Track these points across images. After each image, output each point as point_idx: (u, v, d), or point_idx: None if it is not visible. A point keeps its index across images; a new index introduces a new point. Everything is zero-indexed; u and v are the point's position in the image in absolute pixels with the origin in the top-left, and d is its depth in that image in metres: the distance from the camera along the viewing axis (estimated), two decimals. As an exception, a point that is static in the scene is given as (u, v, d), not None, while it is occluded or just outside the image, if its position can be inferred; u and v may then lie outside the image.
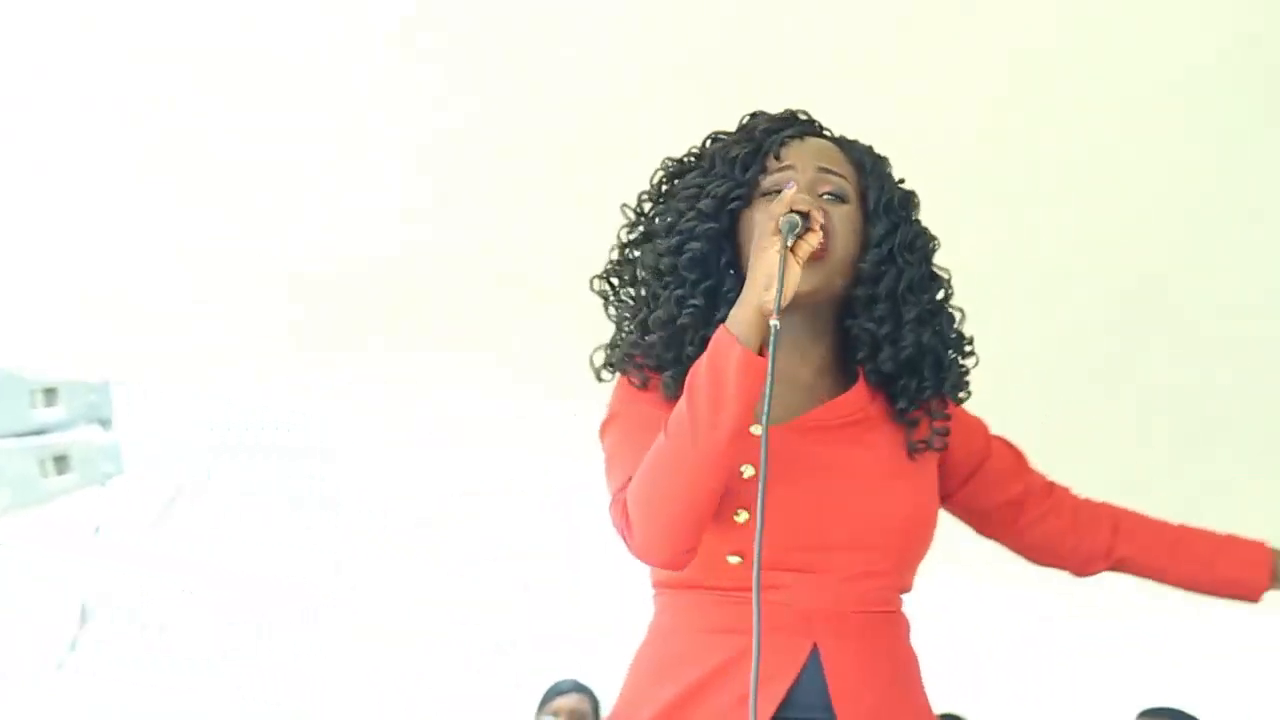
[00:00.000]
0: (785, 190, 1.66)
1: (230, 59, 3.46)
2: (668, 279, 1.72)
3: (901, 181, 1.78)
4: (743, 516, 1.64)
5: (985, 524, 1.87)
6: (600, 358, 1.77)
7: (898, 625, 1.74)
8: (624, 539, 1.66)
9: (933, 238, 1.77)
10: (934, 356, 1.72)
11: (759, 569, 1.55)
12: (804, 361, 1.72)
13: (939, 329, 1.73)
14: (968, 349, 1.77)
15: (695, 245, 1.71)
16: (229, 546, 4.40)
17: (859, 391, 1.70)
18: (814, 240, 1.59)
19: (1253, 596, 1.95)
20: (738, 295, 1.63)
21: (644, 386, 1.71)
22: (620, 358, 1.74)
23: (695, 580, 1.68)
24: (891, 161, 1.79)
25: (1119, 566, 1.93)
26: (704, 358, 1.59)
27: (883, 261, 1.69)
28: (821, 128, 1.80)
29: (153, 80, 3.52)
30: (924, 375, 1.72)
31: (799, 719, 1.63)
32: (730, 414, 1.56)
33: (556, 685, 4.27)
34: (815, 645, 1.65)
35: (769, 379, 1.55)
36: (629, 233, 1.79)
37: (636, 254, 1.78)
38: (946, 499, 1.81)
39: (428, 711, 5.16)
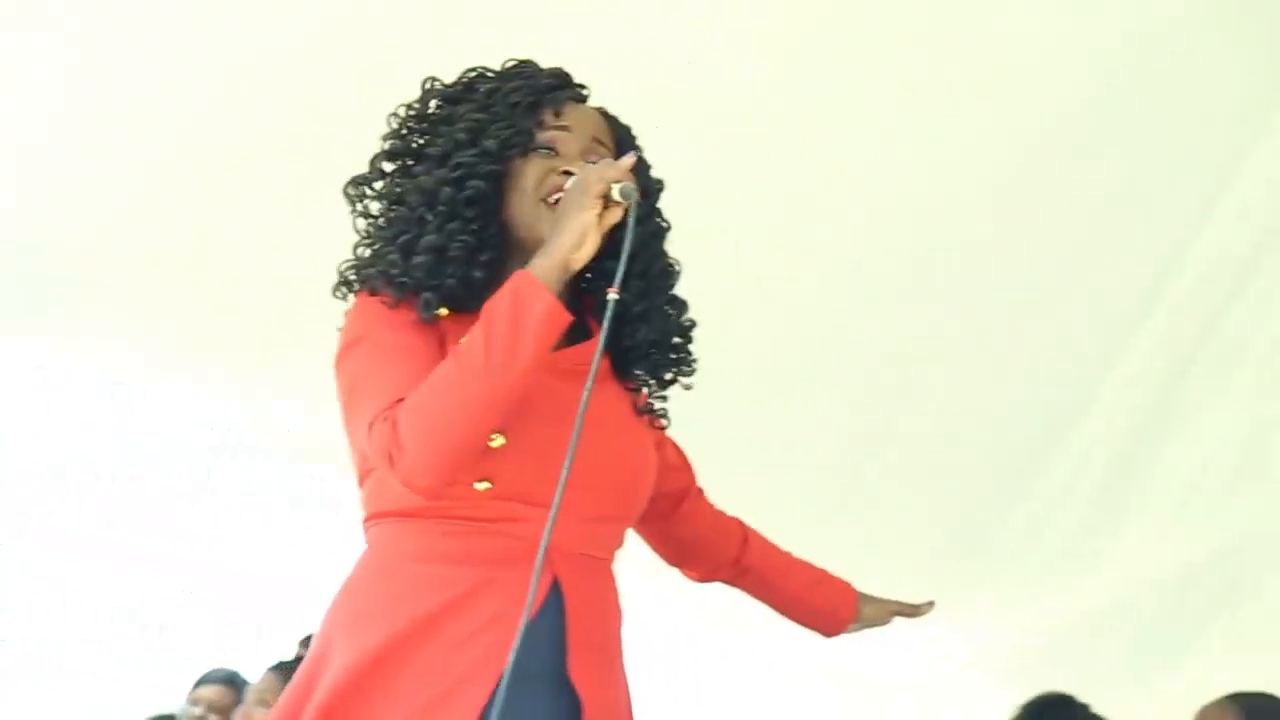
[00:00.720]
0: (625, 158, 1.71)
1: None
2: (442, 209, 1.73)
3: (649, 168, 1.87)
4: (497, 441, 1.67)
5: (647, 511, 1.91)
6: (350, 273, 1.80)
7: (613, 577, 1.80)
8: (385, 460, 1.64)
9: (668, 225, 1.88)
10: (676, 338, 1.84)
11: (554, 518, 1.59)
12: None
13: (680, 314, 1.85)
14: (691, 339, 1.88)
15: (477, 184, 1.74)
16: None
17: (596, 345, 1.71)
18: (619, 211, 1.67)
19: (833, 631, 2.09)
20: (498, 239, 1.75)
21: (395, 306, 1.72)
22: (377, 275, 1.75)
23: (433, 508, 1.68)
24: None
25: (736, 580, 2.06)
26: (506, 297, 1.63)
27: (641, 240, 1.74)
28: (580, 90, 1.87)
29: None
30: (668, 353, 1.84)
31: (534, 657, 1.61)
32: (526, 357, 1.61)
33: (205, 675, 4.13)
34: (556, 580, 1.67)
35: (599, 349, 1.65)
36: (390, 145, 1.81)
37: (390, 167, 1.81)
38: None
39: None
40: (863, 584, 2.11)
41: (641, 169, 1.81)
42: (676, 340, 1.84)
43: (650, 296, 1.81)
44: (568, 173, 1.75)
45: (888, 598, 2.12)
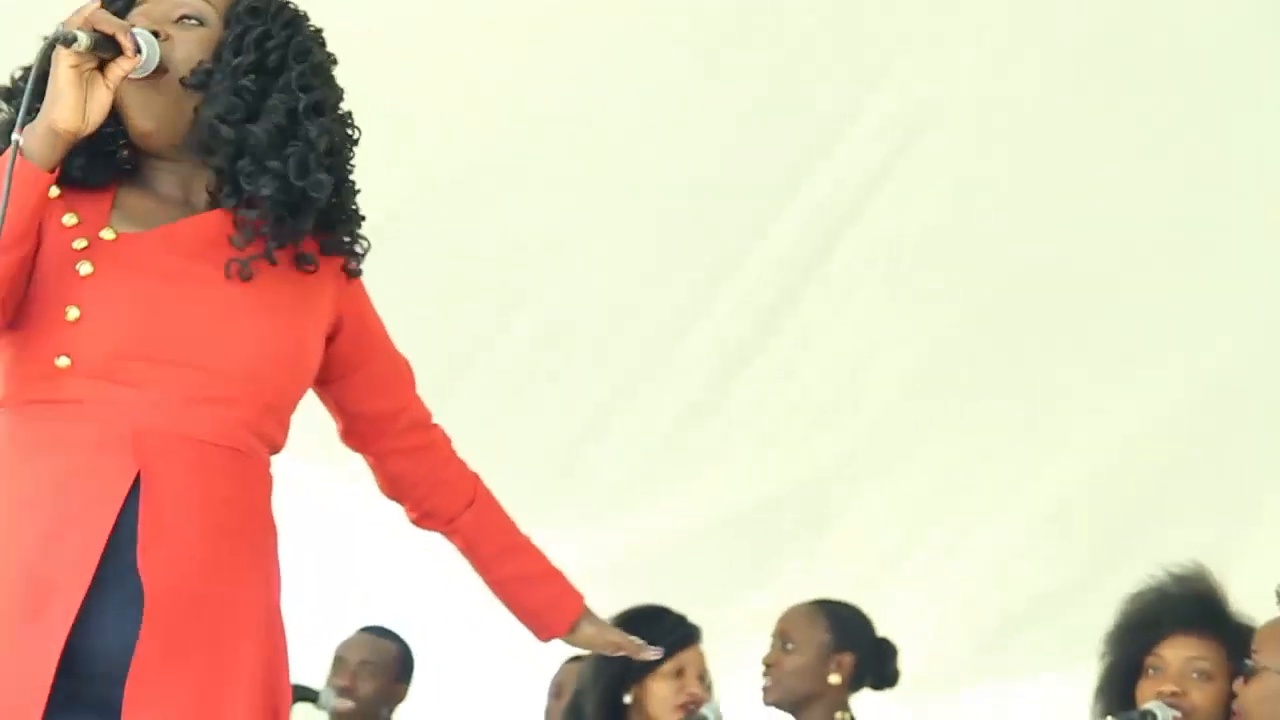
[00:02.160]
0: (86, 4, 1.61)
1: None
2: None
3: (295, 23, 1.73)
4: (73, 313, 1.59)
5: (350, 430, 1.86)
6: None
7: (249, 472, 1.69)
8: None
9: (313, 73, 1.70)
10: (309, 194, 1.66)
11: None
12: (183, 185, 1.70)
13: (329, 168, 1.68)
14: (350, 214, 1.76)
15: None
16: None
17: (219, 215, 1.67)
18: (125, 65, 1.58)
19: (541, 635, 1.99)
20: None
21: None
22: None
23: (18, 392, 1.63)
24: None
25: (451, 535, 1.94)
26: None
27: (228, 81, 1.65)
28: None
29: None
30: (294, 216, 1.67)
31: (121, 554, 1.57)
32: (10, 217, 1.52)
33: None
34: (139, 471, 1.59)
35: (4, 189, 1.52)
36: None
37: None
38: (325, 384, 1.80)
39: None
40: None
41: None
42: (296, 196, 1.65)
43: (249, 154, 1.65)
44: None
45: (611, 627, 2.07)
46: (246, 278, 1.64)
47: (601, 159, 3.99)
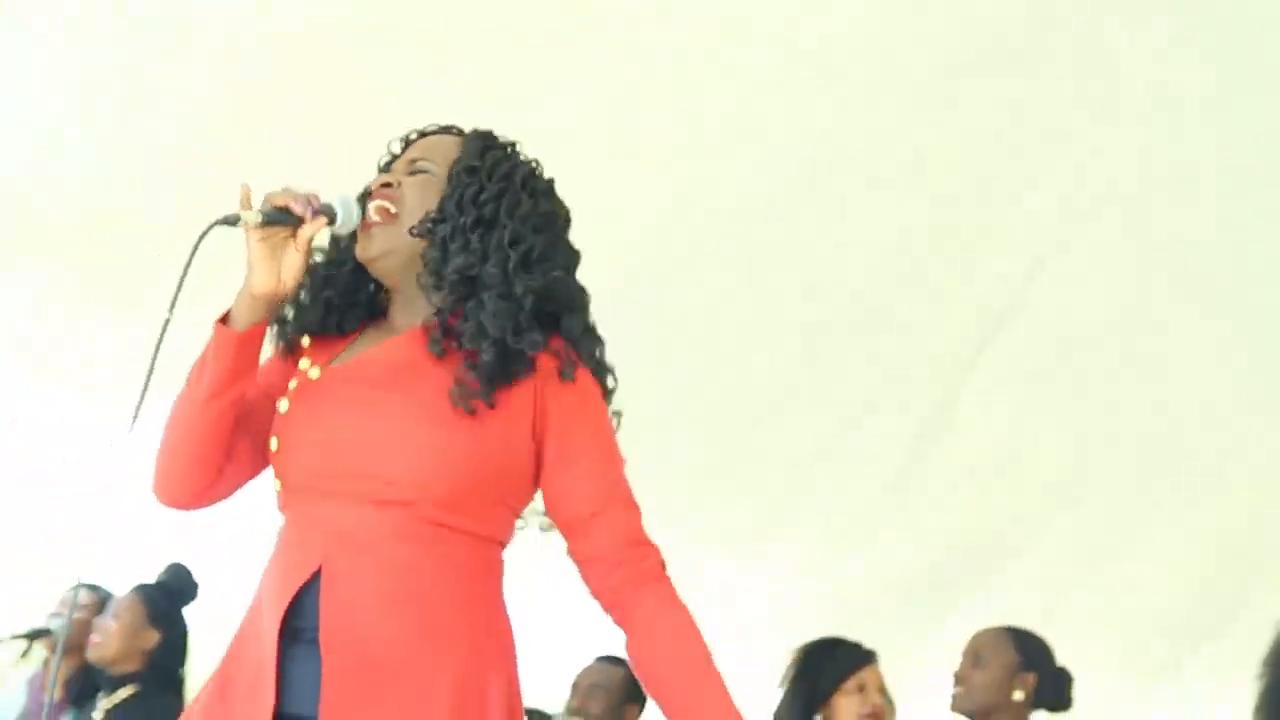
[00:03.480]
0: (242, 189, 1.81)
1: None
2: None
3: (513, 158, 1.90)
4: (274, 444, 1.84)
5: (559, 525, 1.89)
6: None
7: (437, 555, 1.78)
8: None
9: (522, 223, 1.83)
10: (495, 334, 1.77)
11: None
12: (409, 315, 1.87)
13: (507, 308, 1.78)
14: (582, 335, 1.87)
15: None
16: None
17: (411, 336, 1.83)
18: (310, 229, 1.80)
19: None
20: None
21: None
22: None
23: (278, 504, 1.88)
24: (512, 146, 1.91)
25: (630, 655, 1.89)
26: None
27: (442, 225, 1.82)
28: (453, 129, 1.94)
29: None
30: (484, 342, 1.77)
31: (303, 627, 1.74)
32: (202, 378, 1.80)
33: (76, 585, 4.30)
34: (322, 563, 1.75)
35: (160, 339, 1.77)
36: None
37: None
38: (541, 478, 1.86)
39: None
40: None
41: (467, 156, 1.87)
42: (495, 336, 1.77)
43: (454, 287, 1.81)
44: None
45: None
46: (471, 412, 1.76)
47: (784, 257, 4.28)
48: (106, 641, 3.96)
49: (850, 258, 4.28)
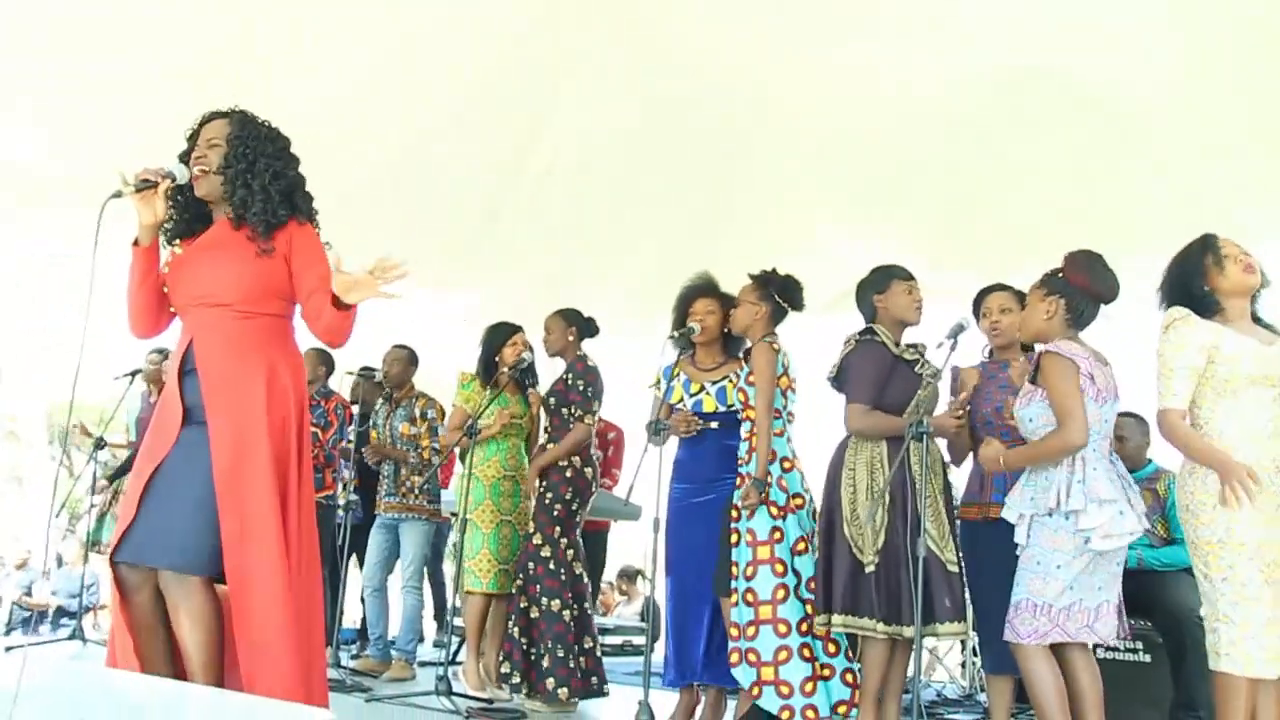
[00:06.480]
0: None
1: None
2: None
3: (258, 124, 3.91)
4: (166, 289, 3.94)
5: (299, 301, 3.88)
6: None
7: (244, 325, 3.75)
8: None
9: (274, 155, 3.89)
10: (267, 214, 3.82)
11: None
12: (221, 213, 3.92)
13: (263, 192, 3.82)
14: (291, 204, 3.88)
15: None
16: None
17: (222, 224, 3.88)
18: (162, 186, 3.83)
19: None
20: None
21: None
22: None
23: None
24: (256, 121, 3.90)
25: None
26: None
27: (229, 170, 3.85)
28: (223, 112, 3.94)
29: None
30: (260, 219, 3.82)
31: (189, 368, 3.74)
32: (136, 270, 3.88)
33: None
34: (193, 335, 3.77)
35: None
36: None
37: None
38: (292, 280, 3.83)
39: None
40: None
41: (235, 130, 3.90)
42: (265, 215, 3.83)
43: (237, 188, 3.84)
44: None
45: None
46: (264, 253, 3.80)
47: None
48: None
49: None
